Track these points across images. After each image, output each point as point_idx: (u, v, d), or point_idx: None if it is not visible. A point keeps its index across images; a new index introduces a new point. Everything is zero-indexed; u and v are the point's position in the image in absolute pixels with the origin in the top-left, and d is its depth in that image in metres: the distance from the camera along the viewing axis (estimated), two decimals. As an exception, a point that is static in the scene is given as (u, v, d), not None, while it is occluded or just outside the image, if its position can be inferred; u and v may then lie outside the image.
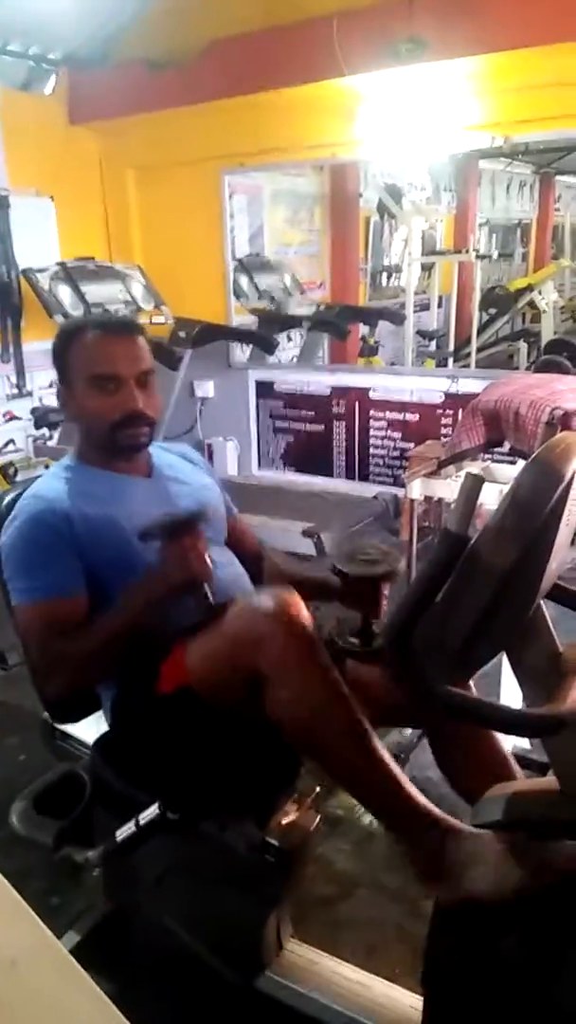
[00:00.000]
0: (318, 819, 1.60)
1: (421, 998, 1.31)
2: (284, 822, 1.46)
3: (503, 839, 1.12)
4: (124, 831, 1.32)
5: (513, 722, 1.03)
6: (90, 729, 1.64)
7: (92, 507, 1.47)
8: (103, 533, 1.46)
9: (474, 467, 3.05)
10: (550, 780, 1.11)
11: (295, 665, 1.25)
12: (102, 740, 1.52)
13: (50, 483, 1.53)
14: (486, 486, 0.94)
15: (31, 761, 2.31)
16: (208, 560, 1.42)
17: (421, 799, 1.22)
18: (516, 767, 1.43)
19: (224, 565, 1.61)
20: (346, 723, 1.24)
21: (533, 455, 0.96)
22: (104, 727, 1.57)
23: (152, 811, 1.29)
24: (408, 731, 2.31)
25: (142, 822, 1.30)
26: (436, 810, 1.21)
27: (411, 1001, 1.40)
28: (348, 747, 1.24)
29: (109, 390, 1.49)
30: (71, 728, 1.71)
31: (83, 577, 1.45)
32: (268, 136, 4.37)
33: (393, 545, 3.98)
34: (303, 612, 1.30)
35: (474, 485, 0.94)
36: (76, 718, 1.67)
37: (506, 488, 0.97)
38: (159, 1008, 1.50)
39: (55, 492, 1.49)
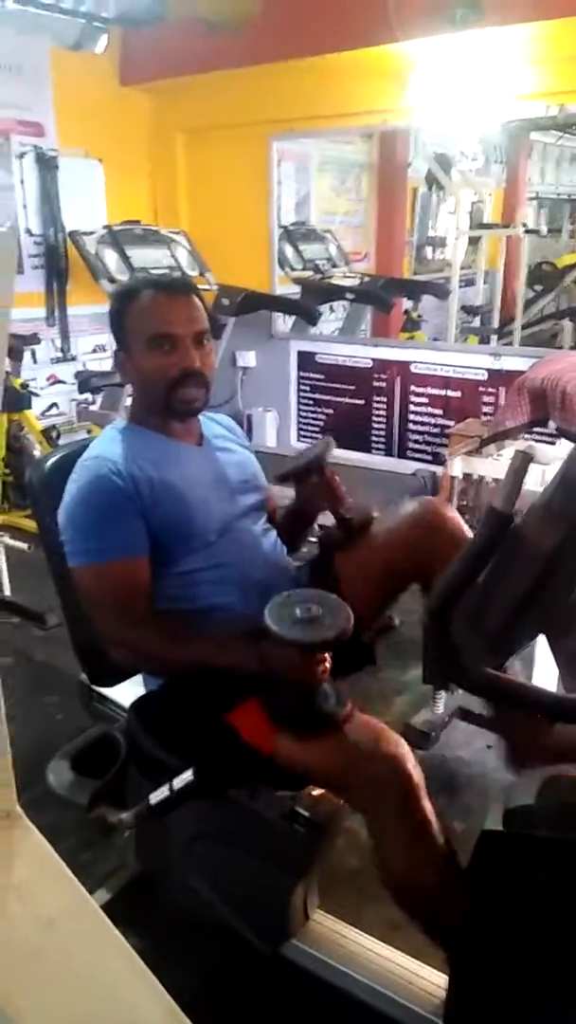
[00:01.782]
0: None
1: (445, 976, 1.32)
2: (315, 793, 1.47)
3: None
4: (157, 795, 1.34)
5: (552, 706, 1.02)
6: (127, 692, 1.66)
7: (153, 471, 1.48)
8: (163, 498, 1.47)
9: (517, 446, 3.01)
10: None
11: (395, 825, 1.26)
12: (139, 703, 1.54)
13: (111, 445, 1.53)
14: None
15: (68, 721, 2.35)
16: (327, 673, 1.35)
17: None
18: None
19: (266, 534, 1.66)
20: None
21: (584, 435, 0.94)
22: (141, 690, 1.59)
23: (186, 776, 1.31)
24: (440, 709, 2.32)
25: (176, 787, 1.32)
26: None
27: (435, 978, 1.41)
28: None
29: (166, 350, 1.50)
30: (108, 690, 1.74)
31: (146, 539, 1.46)
32: (319, 101, 4.29)
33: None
34: (416, 771, 1.28)
35: (523, 462, 0.92)
36: (116, 682, 1.69)
37: (547, 468, 0.95)
38: (185, 968, 1.53)
39: (118, 454, 1.49)
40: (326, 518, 1.70)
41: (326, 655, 1.32)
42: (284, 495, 1.81)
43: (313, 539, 1.79)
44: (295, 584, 1.60)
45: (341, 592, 1.53)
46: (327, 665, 1.32)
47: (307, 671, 1.30)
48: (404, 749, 1.29)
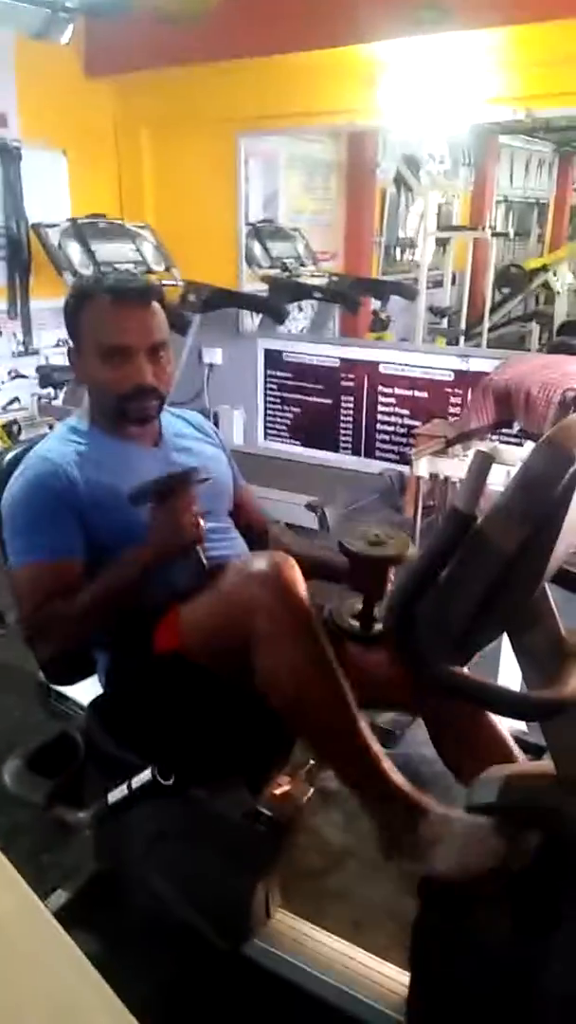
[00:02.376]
0: (311, 791, 1.61)
1: (407, 974, 1.32)
2: (277, 792, 1.46)
3: (473, 823, 1.13)
4: (116, 794, 1.32)
5: (513, 704, 1.02)
6: (86, 691, 1.64)
7: (98, 474, 1.46)
8: (106, 501, 1.44)
9: (482, 447, 3.03)
10: (546, 764, 1.11)
11: (285, 631, 1.25)
12: (97, 702, 1.52)
13: (57, 445, 1.51)
14: (493, 466, 0.93)
15: (26, 721, 2.31)
16: (201, 522, 1.41)
17: (397, 777, 1.23)
18: (516, 749, 1.43)
19: (225, 536, 1.60)
20: (330, 695, 1.24)
21: (544, 436, 0.94)
22: (100, 689, 1.57)
23: (145, 775, 1.29)
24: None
25: (134, 785, 1.30)
26: (411, 789, 1.23)
27: (397, 976, 1.41)
28: (330, 719, 1.25)
29: (117, 362, 1.46)
30: (67, 689, 1.71)
31: (83, 542, 1.44)
32: (286, 99, 4.28)
33: (399, 524, 3.97)
34: (298, 578, 1.29)
35: (484, 463, 0.92)
36: (72, 680, 1.67)
37: (513, 469, 0.95)
38: (145, 969, 1.51)
39: (62, 455, 1.47)
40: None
41: (187, 499, 1.40)
42: (265, 496, 1.78)
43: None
44: None
45: None
46: (193, 508, 1.40)
47: (175, 516, 1.38)
48: (276, 556, 1.32)
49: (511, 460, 2.47)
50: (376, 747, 1.25)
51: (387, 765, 1.24)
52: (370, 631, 1.41)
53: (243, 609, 1.27)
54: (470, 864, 1.11)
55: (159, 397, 1.52)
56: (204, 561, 1.43)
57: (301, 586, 1.29)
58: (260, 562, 1.32)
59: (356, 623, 1.40)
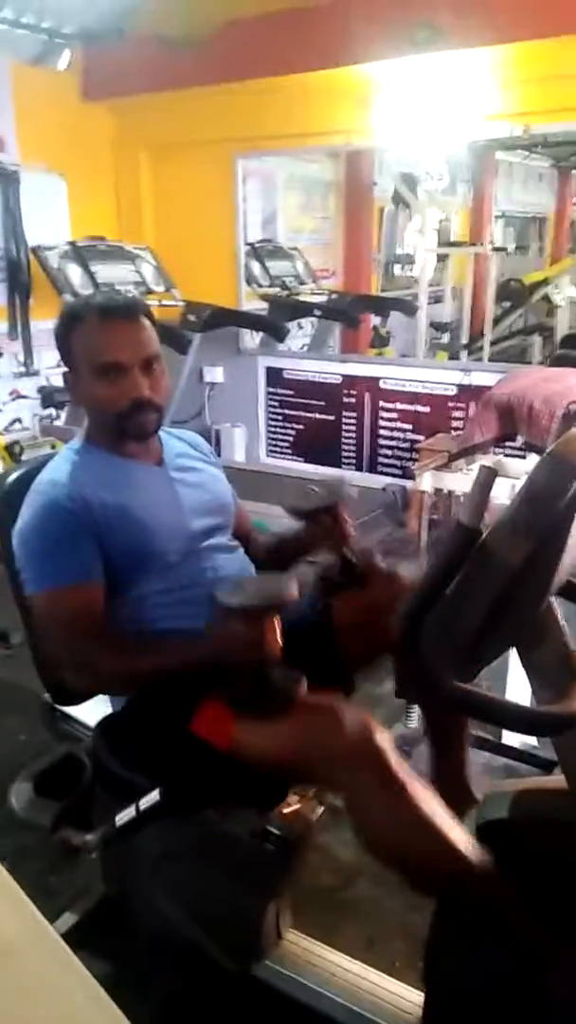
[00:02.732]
0: (320, 809, 1.59)
1: (421, 993, 1.30)
2: (286, 811, 1.45)
3: None
4: (123, 816, 1.31)
5: (522, 719, 1.01)
6: (92, 711, 1.63)
7: (108, 494, 1.45)
8: (118, 521, 1.44)
9: (486, 461, 3.03)
10: (557, 779, 1.10)
11: (374, 799, 1.23)
12: (104, 723, 1.51)
13: (64, 468, 1.50)
14: (497, 480, 0.93)
15: (32, 742, 2.30)
16: (279, 643, 1.36)
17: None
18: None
19: (232, 553, 1.63)
20: (429, 840, 1.22)
21: (548, 449, 0.94)
22: (106, 709, 1.56)
23: (153, 797, 1.28)
24: (414, 723, 2.31)
25: (142, 807, 1.29)
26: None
27: (411, 995, 1.39)
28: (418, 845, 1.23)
29: (113, 378, 1.46)
30: (72, 710, 1.71)
31: (100, 563, 1.43)
32: (283, 120, 4.32)
33: (402, 540, 3.97)
34: (385, 741, 1.26)
35: (488, 477, 0.92)
36: (78, 701, 1.66)
37: (517, 483, 0.95)
38: (155, 992, 1.49)
39: (71, 477, 1.46)
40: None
41: (274, 623, 1.33)
42: (256, 511, 1.79)
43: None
44: None
45: (338, 637, 1.56)
46: (277, 635, 1.33)
47: (256, 639, 1.31)
48: (366, 720, 1.27)
49: (515, 473, 2.47)
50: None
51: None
52: (355, 575, 1.56)
53: (324, 764, 1.26)
54: None
55: (157, 410, 1.51)
56: (276, 683, 1.35)
57: (388, 744, 1.26)
58: (347, 717, 1.27)
59: (341, 578, 1.55)
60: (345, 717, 1.27)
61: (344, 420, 4.79)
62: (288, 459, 5.06)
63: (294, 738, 1.30)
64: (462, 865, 1.17)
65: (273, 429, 5.08)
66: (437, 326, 6.53)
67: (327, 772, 1.26)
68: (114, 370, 1.45)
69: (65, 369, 1.54)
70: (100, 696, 1.61)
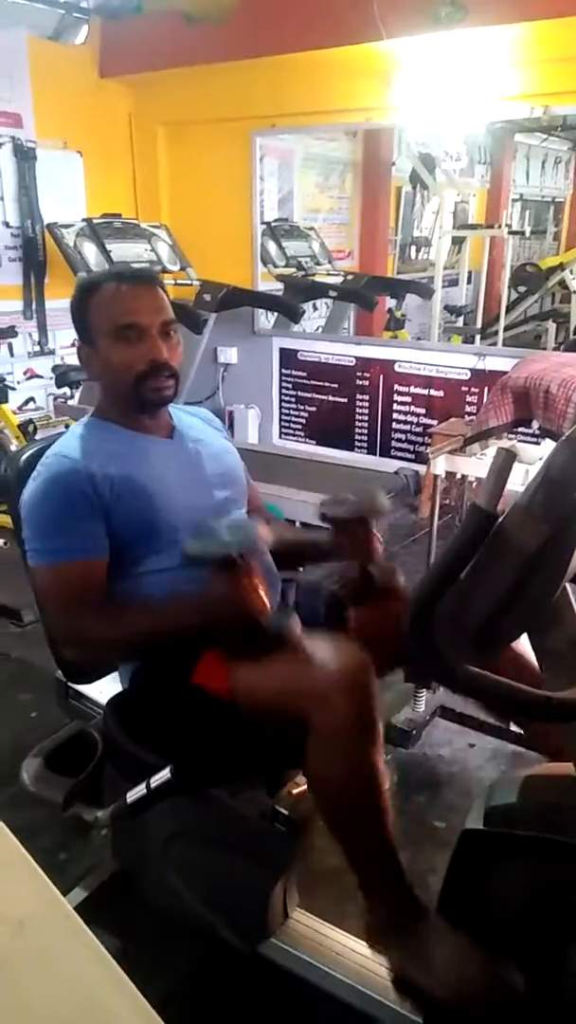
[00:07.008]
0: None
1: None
2: (295, 792, 1.46)
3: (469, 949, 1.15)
4: (134, 793, 1.32)
5: (533, 705, 1.01)
6: (104, 688, 1.64)
7: (115, 468, 1.45)
8: (126, 495, 1.44)
9: (501, 445, 3.01)
10: (566, 765, 1.10)
11: (346, 742, 1.24)
12: (115, 700, 1.52)
13: (73, 442, 1.50)
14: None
15: (43, 719, 2.32)
16: (265, 596, 1.36)
17: (409, 885, 1.28)
18: None
19: None
20: (371, 807, 1.26)
21: (565, 434, 0.93)
22: (118, 687, 1.57)
23: (164, 774, 1.29)
24: (422, 707, 2.32)
25: (153, 785, 1.30)
26: (420, 897, 1.27)
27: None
28: (365, 829, 1.28)
29: (132, 340, 1.46)
30: (84, 687, 1.72)
31: (105, 539, 1.43)
32: (301, 98, 4.28)
33: (415, 524, 3.96)
34: (372, 688, 1.27)
35: (506, 460, 0.91)
36: (90, 679, 1.67)
37: (531, 468, 0.94)
38: (163, 967, 1.51)
39: (79, 452, 1.47)
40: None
41: (253, 565, 1.35)
42: (268, 493, 1.77)
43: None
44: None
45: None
46: (260, 578, 1.35)
47: (243, 582, 1.32)
48: (360, 657, 1.28)
49: (530, 458, 2.45)
50: (397, 855, 1.29)
51: (404, 875, 1.29)
52: (370, 593, 1.49)
53: (308, 702, 1.25)
54: (461, 991, 1.14)
55: (174, 375, 1.51)
56: (268, 631, 1.35)
57: (374, 696, 1.27)
58: (335, 655, 1.29)
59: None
60: (337, 653, 1.29)
61: (358, 403, 4.77)
62: (301, 441, 5.06)
63: (286, 678, 1.31)
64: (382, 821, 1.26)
65: (287, 411, 5.08)
66: (452, 309, 6.49)
67: (311, 711, 1.25)
68: (134, 331, 1.46)
69: (80, 344, 1.55)
70: (112, 674, 1.62)
